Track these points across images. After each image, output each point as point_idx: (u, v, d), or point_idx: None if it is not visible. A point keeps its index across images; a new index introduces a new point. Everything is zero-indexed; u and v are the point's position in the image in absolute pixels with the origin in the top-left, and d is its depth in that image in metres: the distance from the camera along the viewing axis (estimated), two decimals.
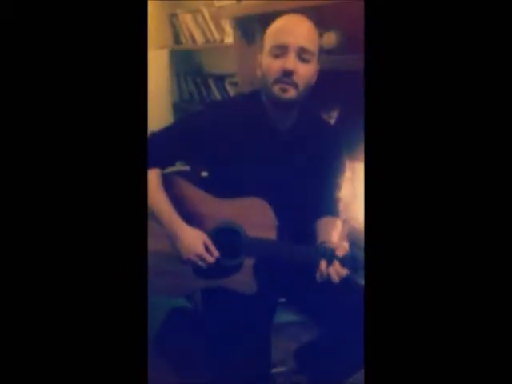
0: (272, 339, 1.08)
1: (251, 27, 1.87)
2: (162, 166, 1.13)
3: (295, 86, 0.99)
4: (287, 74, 0.98)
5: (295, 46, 0.98)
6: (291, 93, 1.00)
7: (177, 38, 2.75)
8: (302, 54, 0.99)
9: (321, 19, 1.64)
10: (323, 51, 1.58)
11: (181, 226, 1.07)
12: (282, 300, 1.19)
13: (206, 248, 1.06)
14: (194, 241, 1.05)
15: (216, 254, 1.06)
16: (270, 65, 1.00)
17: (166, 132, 1.14)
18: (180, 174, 1.18)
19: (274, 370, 1.34)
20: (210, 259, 1.05)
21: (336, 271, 0.96)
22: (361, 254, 0.96)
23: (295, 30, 1.00)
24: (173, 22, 2.72)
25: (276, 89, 1.00)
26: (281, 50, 0.99)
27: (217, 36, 2.41)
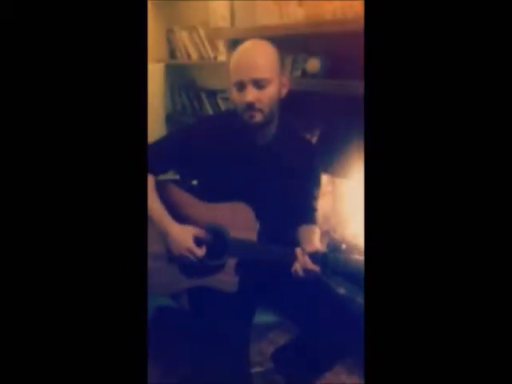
0: (251, 340, 1.14)
1: None
2: (156, 173, 1.23)
3: (260, 111, 1.11)
4: (250, 106, 1.10)
5: (249, 80, 1.08)
6: (258, 117, 1.12)
7: (172, 53, 2.86)
8: (259, 83, 1.09)
9: (306, 46, 1.77)
10: (308, 75, 1.71)
11: (170, 224, 1.16)
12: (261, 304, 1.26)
13: (196, 241, 1.14)
14: (184, 235, 1.14)
15: (204, 248, 1.14)
16: (236, 97, 1.12)
17: (160, 143, 1.24)
18: (171, 181, 1.29)
19: (252, 370, 1.41)
20: (200, 252, 1.13)
21: (307, 266, 1.06)
22: (333, 255, 1.07)
23: (248, 63, 1.10)
24: (169, 37, 2.83)
25: (246, 116, 1.12)
26: (240, 86, 1.10)
27: (211, 53, 2.51)
